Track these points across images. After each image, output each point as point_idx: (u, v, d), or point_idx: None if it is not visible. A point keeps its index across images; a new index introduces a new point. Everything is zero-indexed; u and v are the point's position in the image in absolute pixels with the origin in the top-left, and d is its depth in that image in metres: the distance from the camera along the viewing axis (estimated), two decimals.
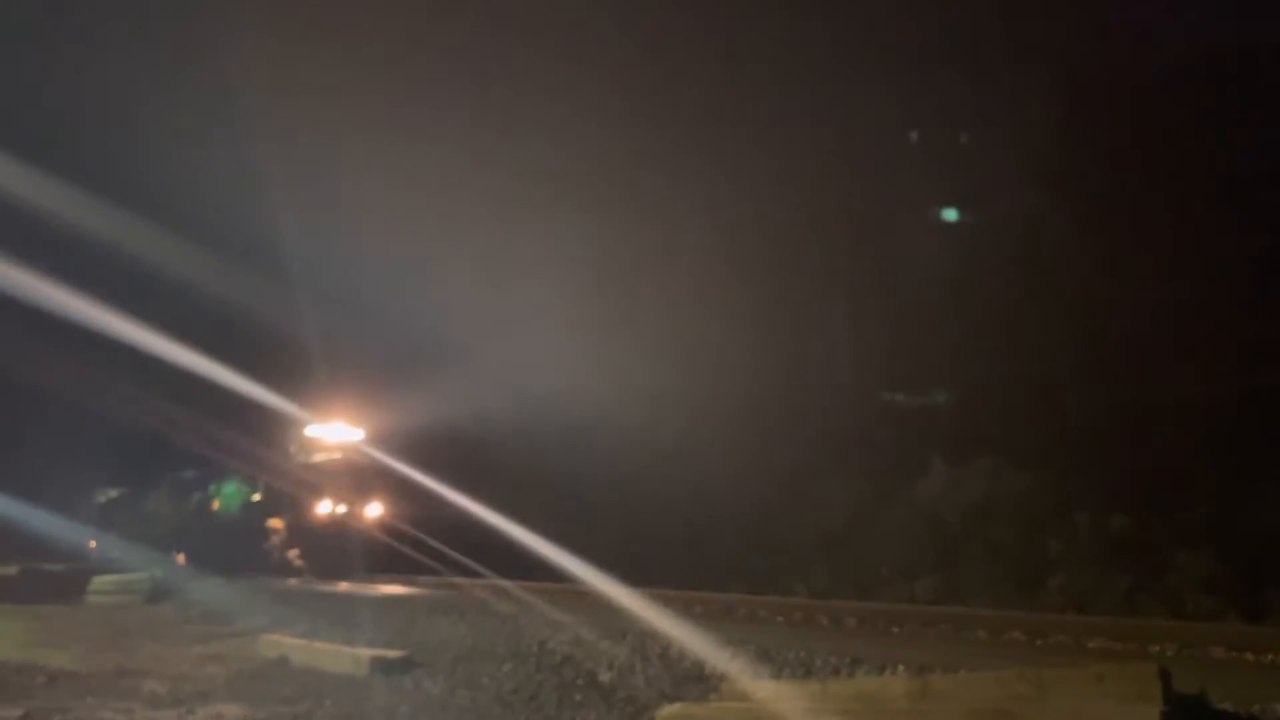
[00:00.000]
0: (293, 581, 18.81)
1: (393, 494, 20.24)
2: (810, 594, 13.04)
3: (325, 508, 21.34)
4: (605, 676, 6.82)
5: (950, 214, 17.82)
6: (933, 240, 16.76)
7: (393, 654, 8.21)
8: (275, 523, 22.73)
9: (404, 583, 16.66)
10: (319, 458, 22.09)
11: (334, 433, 21.67)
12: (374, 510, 20.68)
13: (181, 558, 27.01)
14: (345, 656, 8.24)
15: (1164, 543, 10.91)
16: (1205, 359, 12.36)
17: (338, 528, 20.80)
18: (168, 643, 10.55)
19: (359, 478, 20.91)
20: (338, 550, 19.64)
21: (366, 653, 8.19)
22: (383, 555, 18.82)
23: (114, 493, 39.69)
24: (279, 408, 19.47)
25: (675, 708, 5.49)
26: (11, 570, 17.57)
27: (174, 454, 30.87)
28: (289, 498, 22.07)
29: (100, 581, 17.20)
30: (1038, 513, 12.50)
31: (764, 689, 5.52)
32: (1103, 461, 12.27)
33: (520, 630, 8.79)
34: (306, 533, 21.62)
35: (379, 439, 20.75)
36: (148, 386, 20.90)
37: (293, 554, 21.58)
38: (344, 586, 16.69)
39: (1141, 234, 13.31)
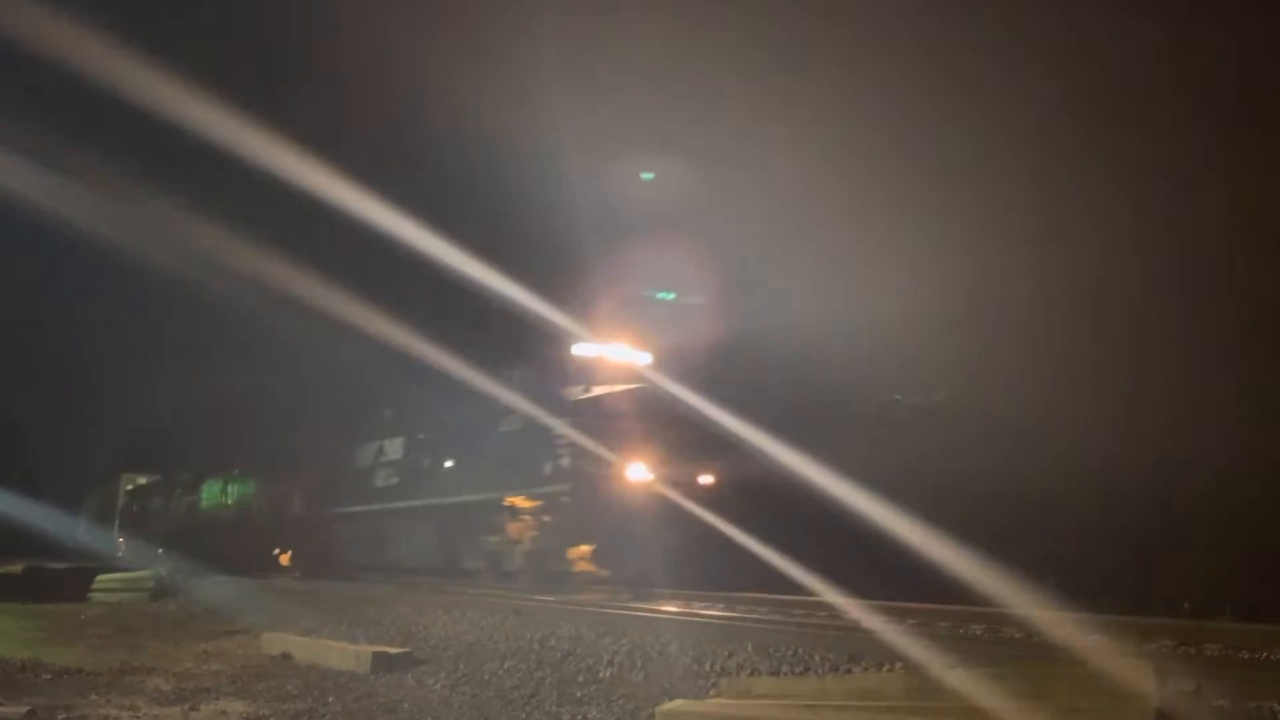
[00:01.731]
0: (546, 598, 11.35)
1: (716, 455, 12.93)
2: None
3: (636, 473, 12.76)
4: (605, 673, 6.88)
5: (647, 176, 15.53)
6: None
7: (394, 650, 8.28)
8: (519, 501, 13.69)
9: (726, 603, 10.60)
10: (599, 393, 13.52)
11: (613, 354, 13.93)
12: (703, 479, 13.08)
13: (286, 558, 22.35)
14: (348, 653, 8.30)
15: (1160, 539, 10.96)
16: (1204, 354, 12.37)
17: (648, 507, 12.66)
18: (172, 640, 10.62)
19: (669, 428, 12.96)
20: (643, 543, 12.36)
21: (369, 649, 8.26)
22: (705, 552, 11.99)
23: (142, 479, 33.59)
24: (525, 309, 12.68)
25: (675, 704, 5.53)
26: (16, 569, 17.64)
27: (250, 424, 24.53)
28: (583, 456, 12.75)
29: (105, 579, 17.26)
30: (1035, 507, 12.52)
31: (762, 685, 5.57)
32: (1100, 458, 12.30)
33: (521, 627, 8.86)
34: (601, 516, 12.75)
35: (677, 371, 13.16)
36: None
37: (578, 553, 12.81)
38: (663, 609, 10.04)
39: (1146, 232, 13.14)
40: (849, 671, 5.98)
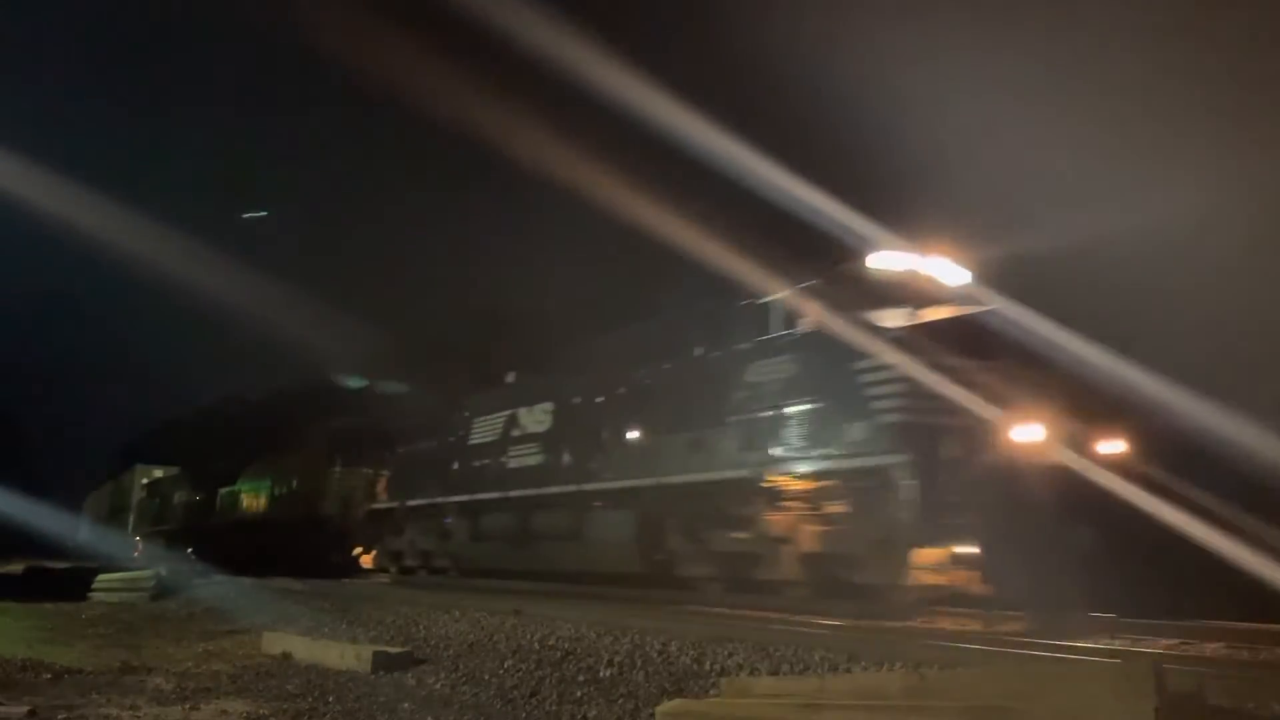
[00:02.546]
0: (828, 622, 8.75)
1: (1122, 412, 9.17)
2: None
3: (1027, 437, 8.67)
4: (605, 673, 6.89)
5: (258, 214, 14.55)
6: None
7: (395, 650, 8.29)
8: (790, 481, 9.73)
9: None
10: (938, 319, 9.38)
11: (926, 268, 9.88)
12: (1111, 447, 9.04)
13: (369, 559, 18.91)
14: (348, 652, 8.31)
15: (1159, 538, 10.93)
16: (1210, 349, 12.27)
17: (1054, 489, 8.61)
18: (172, 640, 10.63)
19: (1048, 371, 9.03)
20: (1044, 540, 8.36)
21: (369, 648, 8.26)
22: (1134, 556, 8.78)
23: (159, 471, 30.08)
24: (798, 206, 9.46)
25: (675, 703, 5.53)
26: (17, 568, 17.67)
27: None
28: (931, 411, 8.65)
29: (105, 579, 17.28)
30: None
31: (762, 685, 5.57)
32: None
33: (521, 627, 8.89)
34: (979, 502, 8.59)
35: (1013, 291, 9.42)
36: None
37: (928, 559, 8.72)
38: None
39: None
40: (849, 671, 5.99)
